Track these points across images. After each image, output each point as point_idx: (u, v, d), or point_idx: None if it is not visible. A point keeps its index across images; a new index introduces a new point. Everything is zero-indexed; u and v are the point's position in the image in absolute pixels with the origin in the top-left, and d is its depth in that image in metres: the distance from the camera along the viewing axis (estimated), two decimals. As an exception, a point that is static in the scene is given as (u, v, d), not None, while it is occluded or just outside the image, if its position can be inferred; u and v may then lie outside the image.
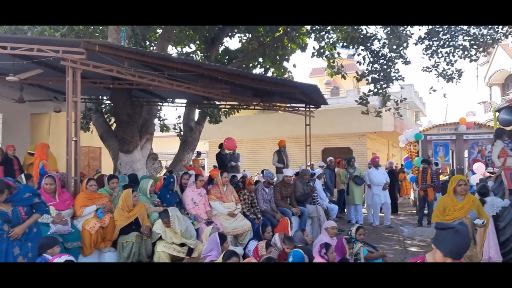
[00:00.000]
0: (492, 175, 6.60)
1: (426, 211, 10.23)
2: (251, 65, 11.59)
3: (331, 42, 11.16)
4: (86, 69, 5.68)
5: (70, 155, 5.45)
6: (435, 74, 11.33)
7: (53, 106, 10.25)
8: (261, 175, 8.80)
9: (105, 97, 10.42)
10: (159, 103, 10.65)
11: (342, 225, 9.35)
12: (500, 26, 10.36)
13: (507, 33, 10.70)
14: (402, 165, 16.02)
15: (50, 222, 4.97)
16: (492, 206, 5.75)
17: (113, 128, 9.85)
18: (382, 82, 10.83)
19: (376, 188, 10.08)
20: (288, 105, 10.46)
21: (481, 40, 10.46)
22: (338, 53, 11.74)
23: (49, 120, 13.01)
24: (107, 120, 10.62)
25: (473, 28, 10.58)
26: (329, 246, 4.55)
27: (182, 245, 5.18)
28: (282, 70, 11.71)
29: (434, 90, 11.30)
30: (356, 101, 11.90)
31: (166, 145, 21.13)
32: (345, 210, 11.20)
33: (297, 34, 11.06)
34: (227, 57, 11.01)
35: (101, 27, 10.41)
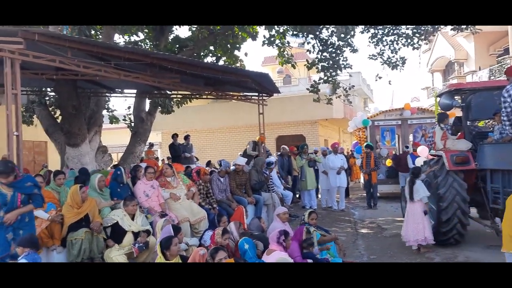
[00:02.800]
0: (434, 157, 6.99)
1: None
2: (202, 53, 11.44)
3: (281, 30, 11.24)
4: (26, 60, 5.35)
5: (11, 150, 5.15)
6: (381, 62, 11.78)
7: (-9, 99, 9.61)
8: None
9: (49, 89, 9.90)
10: (107, 94, 10.27)
11: (297, 211, 9.59)
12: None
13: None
14: (351, 150, 16.60)
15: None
16: (418, 191, 6.14)
17: (58, 121, 9.41)
18: (331, 70, 11.10)
19: (332, 173, 10.39)
20: (241, 94, 10.47)
21: (423, 28, 10.97)
22: (288, 42, 11.86)
23: (-14, 114, 12.18)
24: (52, 112, 10.13)
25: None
26: (288, 234, 4.64)
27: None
28: (234, 59, 11.66)
29: (380, 77, 11.75)
30: (307, 89, 12.13)
31: (116, 137, 20.46)
32: (298, 196, 11.46)
33: (247, 23, 11.04)
34: (177, 46, 10.78)
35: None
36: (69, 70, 6.42)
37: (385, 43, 11.51)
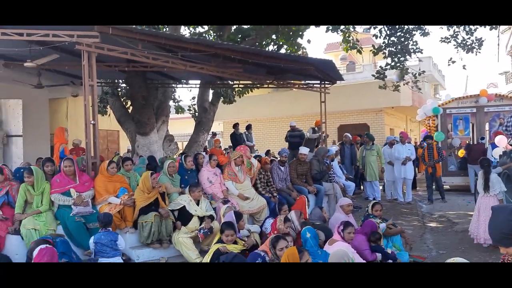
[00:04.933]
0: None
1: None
2: (264, 42, 11.44)
3: (346, 16, 10.89)
4: (101, 53, 5.71)
5: (89, 138, 5.56)
6: (454, 45, 10.99)
7: (70, 90, 10.39)
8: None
9: (121, 81, 10.50)
10: (174, 85, 10.68)
11: (360, 202, 9.36)
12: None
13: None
14: (421, 140, 15.79)
15: (71, 204, 5.13)
16: (494, 185, 5.67)
17: (129, 111, 9.96)
18: (399, 55, 10.58)
19: (398, 163, 9.97)
20: (303, 82, 10.35)
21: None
22: (354, 27, 11.47)
23: (67, 104, 13.25)
24: (124, 103, 10.74)
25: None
26: (349, 225, 4.55)
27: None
28: (296, 46, 11.53)
29: (453, 62, 10.99)
30: (373, 75, 11.69)
31: (181, 127, 21.31)
32: (361, 187, 11.18)
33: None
34: (240, 36, 10.89)
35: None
36: (140, 62, 6.74)
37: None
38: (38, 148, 9.86)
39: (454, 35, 10.88)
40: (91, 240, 4.62)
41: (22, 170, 6.31)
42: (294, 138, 11.14)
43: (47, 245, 3.81)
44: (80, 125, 10.75)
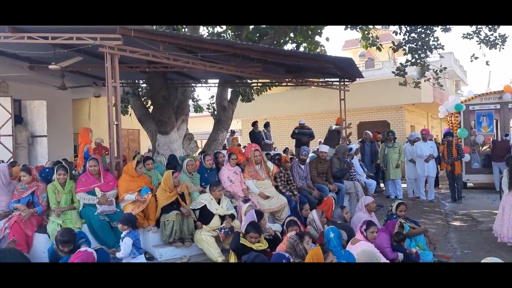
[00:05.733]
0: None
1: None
2: (282, 41, 11.40)
3: (365, 12, 10.75)
4: (123, 55, 5.81)
5: (112, 138, 5.66)
6: (477, 41, 10.73)
7: (92, 91, 10.61)
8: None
9: (141, 81, 10.65)
10: (193, 84, 10.76)
11: (381, 201, 9.26)
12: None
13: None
14: (442, 138, 15.50)
15: (96, 203, 5.24)
16: None
17: (150, 110, 10.09)
18: (420, 52, 10.39)
19: (420, 161, 9.82)
20: (322, 80, 10.29)
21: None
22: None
23: (89, 105, 13.52)
24: (144, 103, 10.88)
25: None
26: (372, 225, 4.51)
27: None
28: (315, 44, 11.46)
29: (476, 58, 10.73)
30: (393, 72, 11.52)
31: (200, 125, 21.46)
32: (381, 185, 11.04)
33: (329, 7, 10.73)
34: (258, 34, 10.89)
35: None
36: (160, 62, 6.82)
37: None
38: (62, 148, 10.12)
39: (477, 31, 10.62)
40: (128, 241, 4.50)
41: (47, 169, 6.50)
42: (303, 136, 11.07)
43: (87, 249, 3.88)
44: (102, 125, 10.98)
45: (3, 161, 7.17)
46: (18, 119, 8.89)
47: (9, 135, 8.39)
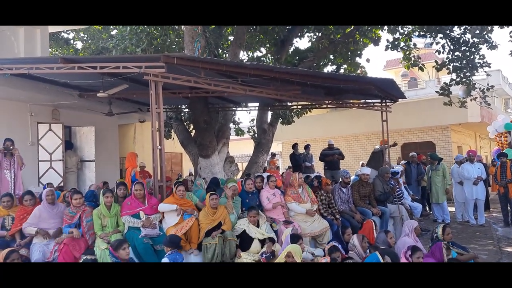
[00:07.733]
0: None
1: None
2: (322, 63, 11.46)
3: (405, 32, 10.61)
4: (167, 81, 6.04)
5: (156, 162, 5.83)
6: (526, 57, 10.27)
7: (137, 116, 11.05)
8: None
9: (184, 106, 10.98)
10: (234, 108, 10.98)
11: (428, 225, 8.87)
12: None
13: None
14: (492, 158, 14.73)
15: (140, 226, 5.37)
16: None
17: (192, 134, 10.35)
18: (465, 70, 10.08)
19: (468, 183, 9.37)
20: (363, 101, 10.16)
21: None
22: (415, 44, 11.14)
23: (134, 129, 14.06)
24: (187, 127, 11.18)
25: None
26: (417, 250, 4.33)
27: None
28: (355, 66, 11.41)
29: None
30: (437, 91, 11.22)
31: (241, 148, 21.68)
32: (427, 209, 10.59)
33: (369, 28, 10.70)
34: (297, 58, 11.01)
35: (176, 39, 10.99)
36: (201, 88, 7.02)
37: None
38: (109, 172, 10.52)
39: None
40: (165, 260, 4.67)
41: (94, 192, 6.76)
42: (332, 157, 10.81)
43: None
44: (146, 149, 11.34)
45: (47, 185, 7.54)
46: (69, 144, 9.37)
47: (60, 160, 8.85)
